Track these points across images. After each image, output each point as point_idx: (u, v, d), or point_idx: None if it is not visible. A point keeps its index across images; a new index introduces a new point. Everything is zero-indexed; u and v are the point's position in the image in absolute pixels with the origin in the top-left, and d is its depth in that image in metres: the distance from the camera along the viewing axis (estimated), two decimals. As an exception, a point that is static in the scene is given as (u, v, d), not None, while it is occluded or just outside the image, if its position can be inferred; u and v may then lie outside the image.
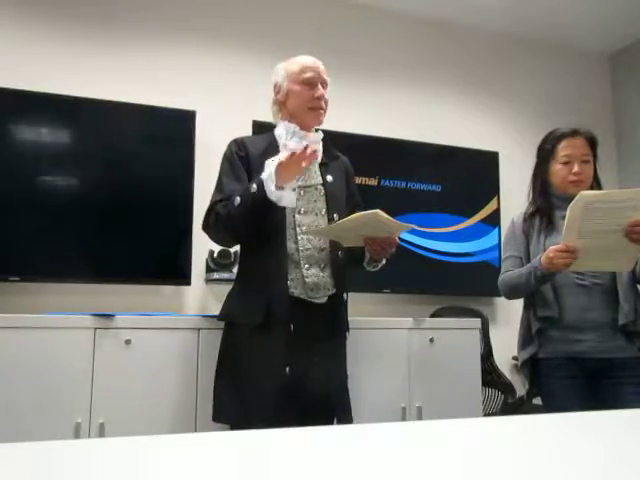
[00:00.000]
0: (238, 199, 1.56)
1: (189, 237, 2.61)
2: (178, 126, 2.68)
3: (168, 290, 2.73)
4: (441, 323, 2.51)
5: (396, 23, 3.40)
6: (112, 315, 1.96)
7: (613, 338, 1.76)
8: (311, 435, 0.67)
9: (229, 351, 1.69)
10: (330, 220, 1.69)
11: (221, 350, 1.72)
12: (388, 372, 2.28)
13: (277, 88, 1.75)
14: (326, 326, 1.67)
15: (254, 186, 1.54)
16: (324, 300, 1.67)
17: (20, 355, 1.84)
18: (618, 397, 1.72)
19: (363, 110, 3.21)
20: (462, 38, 3.56)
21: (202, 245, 2.60)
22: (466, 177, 3.29)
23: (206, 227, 1.70)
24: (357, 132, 3.03)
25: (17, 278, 2.35)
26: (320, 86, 1.72)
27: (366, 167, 3.06)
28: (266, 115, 1.89)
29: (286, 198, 1.54)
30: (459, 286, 3.19)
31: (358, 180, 3.05)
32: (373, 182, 3.06)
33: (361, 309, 2.82)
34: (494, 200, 3.33)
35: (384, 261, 1.79)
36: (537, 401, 2.06)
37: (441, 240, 3.17)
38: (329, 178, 1.74)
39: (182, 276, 2.63)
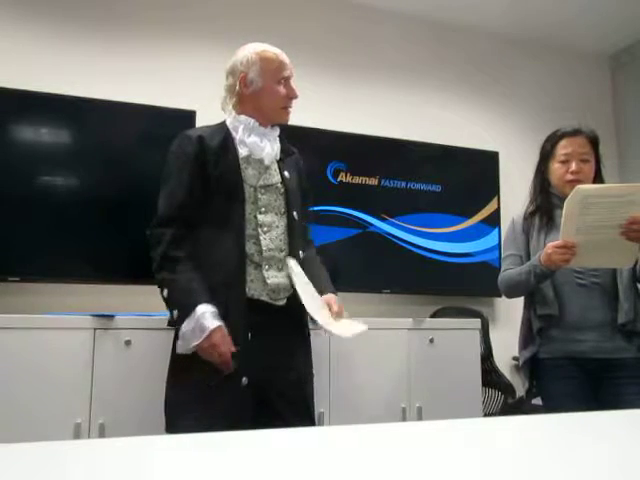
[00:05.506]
0: (166, 292, 1.51)
1: (189, 237, 2.60)
2: (178, 126, 2.66)
3: (168, 290, 2.72)
4: (441, 323, 2.52)
5: (396, 23, 3.40)
6: (112, 315, 1.96)
7: (613, 338, 1.76)
8: (311, 435, 0.67)
9: (183, 359, 1.54)
10: (290, 220, 1.65)
11: (174, 357, 1.58)
12: (388, 372, 2.28)
13: (246, 80, 1.65)
14: (286, 328, 1.62)
15: (175, 314, 1.49)
16: (284, 302, 1.62)
17: (20, 355, 1.84)
18: (618, 397, 1.72)
19: (363, 110, 3.21)
20: (462, 38, 3.57)
21: (202, 245, 2.59)
22: (466, 177, 3.29)
23: (149, 245, 1.56)
24: (357, 132, 3.03)
25: (17, 278, 2.34)
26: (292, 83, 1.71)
27: (366, 167, 3.06)
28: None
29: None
30: (459, 286, 3.18)
31: (358, 180, 3.07)
32: (373, 182, 3.06)
33: (361, 309, 2.82)
34: (494, 200, 3.33)
35: None
36: (537, 401, 2.06)
37: (441, 240, 3.17)
38: (286, 174, 1.70)
39: (182, 276, 2.62)
